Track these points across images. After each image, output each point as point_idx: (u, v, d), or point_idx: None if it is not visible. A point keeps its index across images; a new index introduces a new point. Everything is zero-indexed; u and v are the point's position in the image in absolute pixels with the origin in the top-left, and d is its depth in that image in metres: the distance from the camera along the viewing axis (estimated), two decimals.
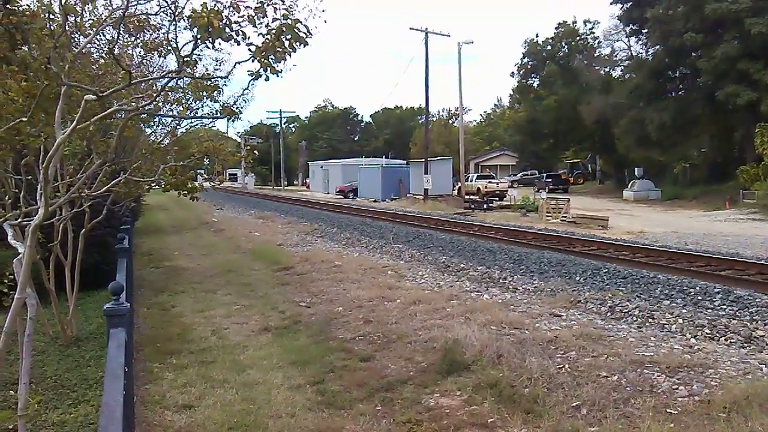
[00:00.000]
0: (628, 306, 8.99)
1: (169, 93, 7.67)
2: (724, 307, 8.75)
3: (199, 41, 4.18)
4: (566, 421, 5.24)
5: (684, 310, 8.62)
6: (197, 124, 11.27)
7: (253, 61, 4.36)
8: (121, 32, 5.43)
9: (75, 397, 6.66)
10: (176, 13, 4.33)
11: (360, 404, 5.99)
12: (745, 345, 7.23)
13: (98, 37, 6.64)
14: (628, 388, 5.62)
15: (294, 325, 9.05)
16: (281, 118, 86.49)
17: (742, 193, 33.69)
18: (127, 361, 4.34)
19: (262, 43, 4.29)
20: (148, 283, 12.99)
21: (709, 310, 8.65)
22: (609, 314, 8.84)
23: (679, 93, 44.59)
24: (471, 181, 46.67)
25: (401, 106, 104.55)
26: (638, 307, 8.90)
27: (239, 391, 6.43)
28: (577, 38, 60.11)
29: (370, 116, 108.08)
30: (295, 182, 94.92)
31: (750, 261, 12.54)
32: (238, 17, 4.20)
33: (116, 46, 5.60)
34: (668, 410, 5.14)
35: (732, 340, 7.40)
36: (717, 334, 7.61)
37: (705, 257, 13.28)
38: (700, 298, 9.28)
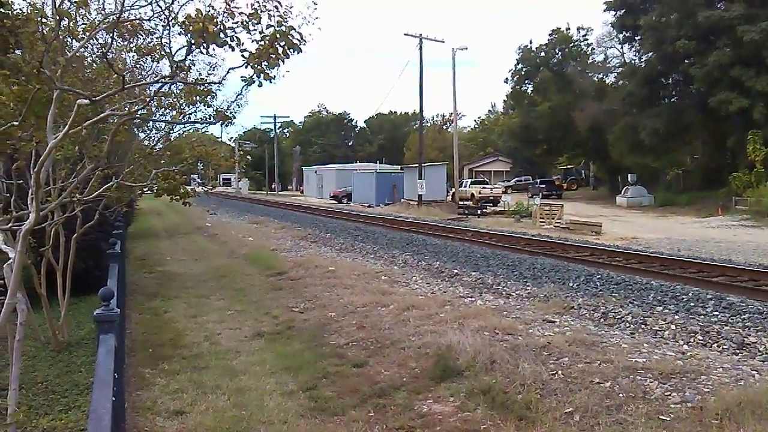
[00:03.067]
0: (621, 312, 9.00)
1: (163, 98, 7.65)
2: (717, 313, 8.77)
3: (193, 46, 4.17)
4: (559, 427, 5.24)
5: (677, 317, 8.63)
6: (191, 129, 11.25)
7: (246, 67, 4.36)
8: (115, 37, 5.41)
9: (66, 402, 6.62)
10: (170, 19, 4.32)
11: (353, 410, 5.97)
12: (738, 352, 7.24)
13: (91, 41, 6.62)
14: (620, 395, 5.61)
15: (287, 331, 9.02)
16: (275, 122, 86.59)
17: (735, 199, 33.80)
18: (118, 367, 4.31)
19: (256, 49, 4.29)
20: (140, 288, 12.94)
21: (702, 317, 8.67)
22: (602, 320, 8.85)
23: (672, 100, 44.77)
24: (465, 186, 46.73)
25: (395, 112, 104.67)
26: (631, 313, 8.91)
27: (231, 397, 6.40)
28: (571, 45, 60.28)
29: (365, 121, 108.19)
30: (289, 187, 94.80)
31: (742, 267, 12.58)
32: (233, 23, 4.20)
33: (109, 51, 5.58)
34: (661, 417, 5.13)
35: (724, 347, 7.41)
36: (709, 341, 7.63)
37: (697, 263, 13.31)
38: (692, 304, 9.29)
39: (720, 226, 27.57)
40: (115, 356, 3.98)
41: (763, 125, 34.27)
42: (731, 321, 8.36)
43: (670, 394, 5.50)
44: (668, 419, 5.09)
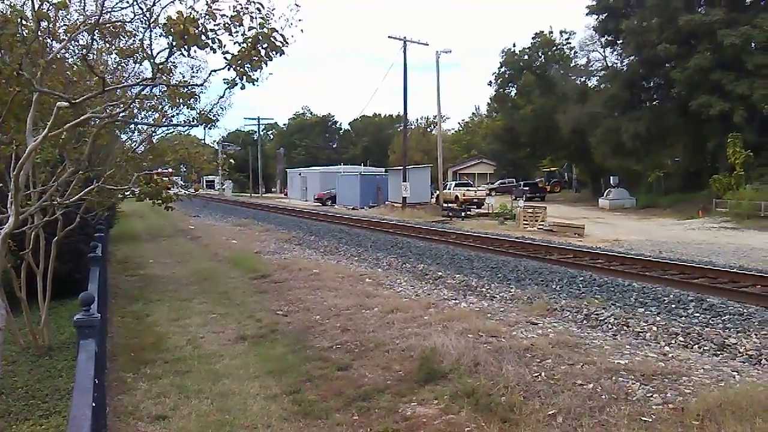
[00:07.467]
0: (604, 314, 9.06)
1: (145, 100, 7.59)
2: (698, 314, 8.86)
3: (174, 48, 4.14)
4: (542, 429, 5.26)
5: (658, 318, 8.71)
6: (173, 132, 11.16)
7: (229, 69, 4.34)
8: (96, 38, 5.36)
9: (46, 408, 6.54)
10: (151, 21, 4.29)
11: (337, 414, 5.95)
12: (718, 353, 7.32)
13: (72, 43, 6.56)
14: (603, 396, 5.65)
15: (270, 334, 8.98)
16: (259, 125, 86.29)
17: (715, 202, 34.19)
18: (99, 372, 4.27)
19: (238, 51, 4.27)
20: (122, 291, 12.81)
21: (683, 318, 8.75)
22: (585, 322, 8.90)
23: (654, 103, 45.24)
24: (449, 189, 46.77)
25: (380, 114, 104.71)
26: (613, 315, 8.97)
27: (214, 401, 6.35)
28: (554, 48, 60.74)
29: (349, 124, 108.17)
30: (273, 189, 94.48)
31: (723, 269, 12.72)
32: (214, 25, 4.18)
33: (90, 53, 5.53)
34: (643, 418, 5.17)
35: (705, 348, 7.49)
36: (690, 342, 7.70)
37: (679, 265, 13.45)
38: (674, 306, 9.38)
39: (701, 228, 27.88)
40: (96, 361, 3.94)
41: (742, 128, 34.75)
42: (712, 322, 8.44)
43: (651, 395, 5.55)
44: (650, 420, 5.13)
